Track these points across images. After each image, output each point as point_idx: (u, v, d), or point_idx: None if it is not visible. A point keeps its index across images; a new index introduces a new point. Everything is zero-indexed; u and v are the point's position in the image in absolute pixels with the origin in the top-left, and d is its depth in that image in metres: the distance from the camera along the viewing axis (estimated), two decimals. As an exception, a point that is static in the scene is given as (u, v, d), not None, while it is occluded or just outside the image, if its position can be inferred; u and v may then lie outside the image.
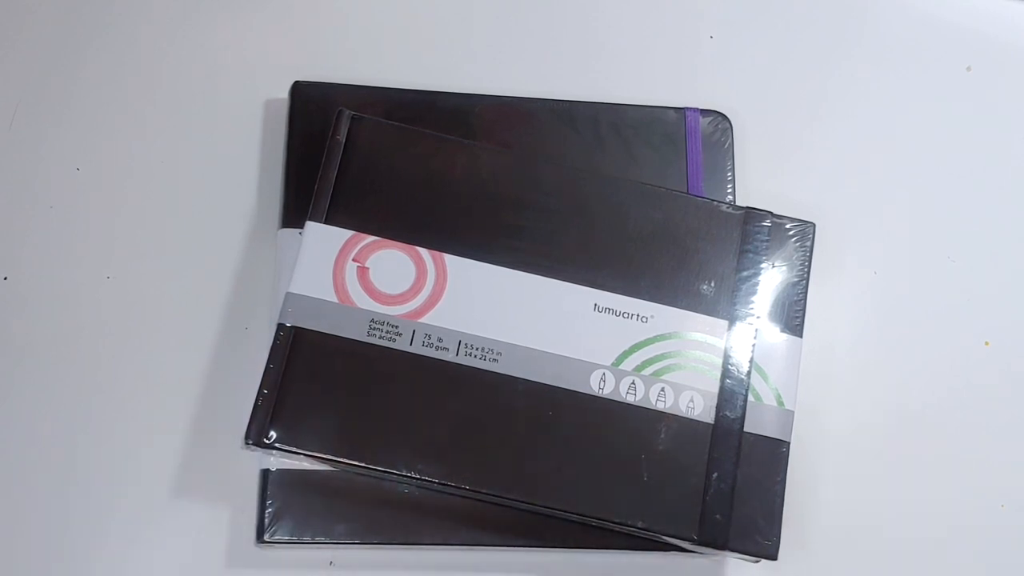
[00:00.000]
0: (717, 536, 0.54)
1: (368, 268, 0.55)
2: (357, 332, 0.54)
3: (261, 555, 0.56)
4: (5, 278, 0.59)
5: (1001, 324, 0.65)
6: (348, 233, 0.56)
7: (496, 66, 0.67)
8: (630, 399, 0.55)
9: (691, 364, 0.56)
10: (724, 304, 0.57)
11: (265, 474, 0.55)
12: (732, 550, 0.54)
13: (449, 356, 0.55)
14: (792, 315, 0.58)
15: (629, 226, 0.58)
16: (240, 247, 0.61)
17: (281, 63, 0.65)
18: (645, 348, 0.56)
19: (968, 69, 0.71)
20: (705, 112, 0.65)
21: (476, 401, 0.54)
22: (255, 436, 0.52)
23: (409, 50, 0.67)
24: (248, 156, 0.63)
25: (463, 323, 0.55)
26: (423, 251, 0.56)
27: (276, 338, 0.54)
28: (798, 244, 0.59)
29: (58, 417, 0.57)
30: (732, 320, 0.57)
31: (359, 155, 0.57)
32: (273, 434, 0.52)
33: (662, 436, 0.55)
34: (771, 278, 0.58)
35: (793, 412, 0.56)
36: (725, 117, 0.65)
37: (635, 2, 0.70)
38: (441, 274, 0.56)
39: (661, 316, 0.57)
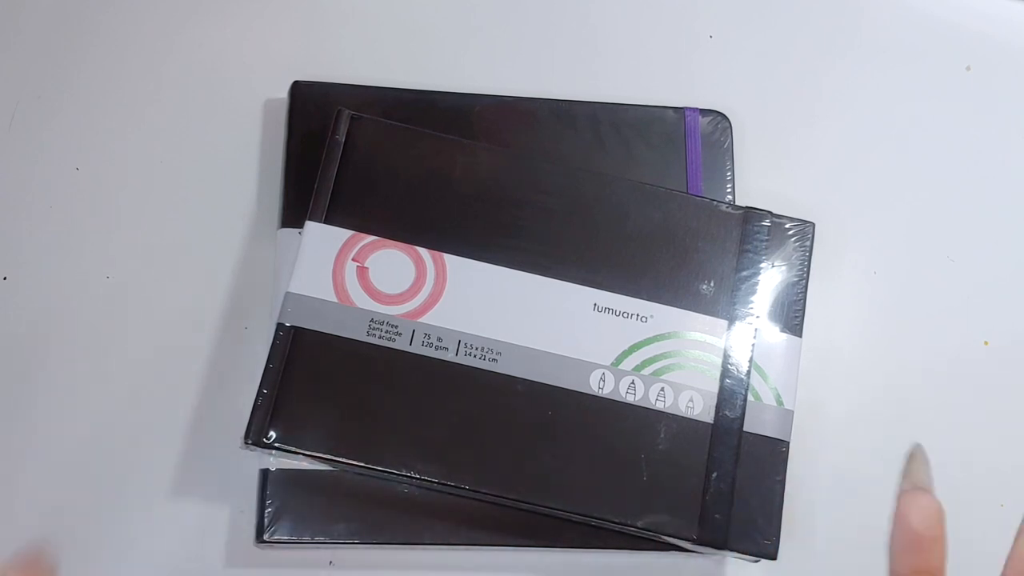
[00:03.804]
0: (717, 536, 0.54)
1: (368, 268, 0.55)
2: (357, 332, 0.54)
3: (261, 555, 0.56)
4: (5, 278, 0.59)
5: (1000, 324, 0.65)
6: (347, 233, 0.56)
7: (495, 66, 0.67)
8: (630, 399, 0.55)
9: (691, 364, 0.56)
10: (723, 304, 0.57)
11: (265, 474, 0.55)
12: (732, 550, 0.54)
13: (449, 356, 0.55)
14: (791, 315, 0.58)
15: (628, 226, 0.58)
16: (240, 247, 0.61)
17: (281, 63, 0.65)
18: (644, 348, 0.56)
19: (968, 69, 0.71)
20: (705, 112, 0.65)
21: (476, 401, 0.54)
22: (254, 436, 0.52)
23: (409, 50, 0.67)
24: (248, 156, 0.63)
25: (463, 323, 0.55)
26: (423, 251, 0.56)
27: (276, 338, 0.54)
28: (798, 244, 0.59)
29: (57, 417, 0.57)
30: (731, 320, 0.57)
31: (358, 155, 0.57)
32: (272, 434, 0.52)
33: (662, 436, 0.55)
34: (770, 278, 0.58)
35: (792, 412, 0.56)
36: (724, 117, 0.65)
37: (634, 2, 0.70)
38: (441, 274, 0.56)
39: (660, 316, 0.57)
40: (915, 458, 0.41)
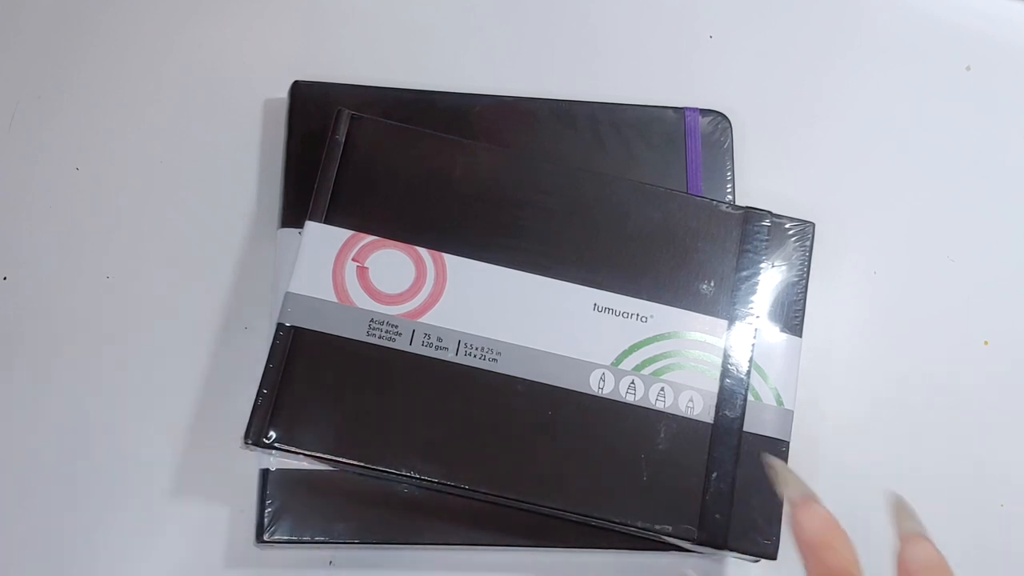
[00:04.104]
0: (717, 536, 0.54)
1: (368, 268, 0.55)
2: (356, 332, 0.54)
3: (260, 555, 0.56)
4: (5, 278, 0.59)
5: (1000, 324, 0.65)
6: (347, 233, 0.56)
7: (495, 66, 0.67)
8: (630, 399, 0.55)
9: (690, 364, 0.56)
10: (723, 304, 0.57)
11: (265, 474, 0.55)
12: (732, 550, 0.54)
13: (449, 356, 0.55)
14: (791, 315, 0.58)
15: (628, 226, 0.58)
16: (240, 247, 0.61)
17: (281, 63, 0.65)
18: (644, 348, 0.56)
19: (968, 69, 0.71)
20: (705, 112, 0.65)
21: (476, 401, 0.54)
22: (254, 436, 0.52)
23: (409, 50, 0.67)
24: (248, 156, 0.63)
25: (463, 323, 0.55)
26: (423, 251, 0.56)
27: (276, 338, 0.54)
28: (797, 244, 0.59)
29: (57, 417, 0.57)
30: (731, 320, 0.57)
31: (359, 155, 0.57)
32: (272, 434, 0.52)
33: (662, 436, 0.55)
34: (770, 278, 0.58)
35: (792, 412, 0.56)
36: (724, 117, 0.65)
37: (634, 2, 0.70)
38: (440, 274, 0.56)
39: (660, 316, 0.57)
40: (783, 472, 0.44)
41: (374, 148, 0.57)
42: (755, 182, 0.65)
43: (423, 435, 0.53)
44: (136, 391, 0.58)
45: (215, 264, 0.60)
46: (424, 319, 0.55)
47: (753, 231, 0.59)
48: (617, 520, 0.54)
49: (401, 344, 0.54)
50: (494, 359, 0.55)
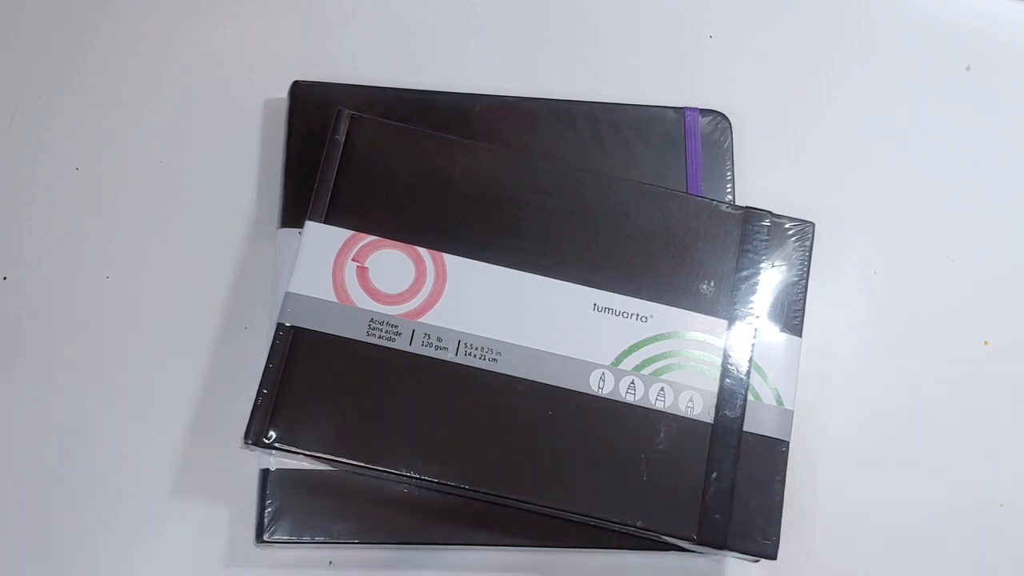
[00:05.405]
0: (716, 536, 0.54)
1: (367, 268, 0.55)
2: (356, 332, 0.54)
3: (260, 555, 0.56)
4: (5, 278, 0.59)
5: (1000, 324, 0.65)
6: (347, 233, 0.56)
7: (496, 66, 0.67)
8: (629, 399, 0.55)
9: (690, 364, 0.56)
10: (723, 304, 0.57)
11: (264, 474, 0.55)
12: (731, 550, 0.54)
13: (448, 356, 0.55)
14: (791, 314, 0.58)
15: (628, 226, 0.58)
16: (240, 247, 0.61)
17: (281, 63, 0.65)
18: (644, 348, 0.56)
19: (968, 69, 0.71)
20: (704, 112, 0.65)
21: (476, 401, 0.54)
22: (254, 436, 0.52)
23: (409, 50, 0.67)
24: (248, 156, 0.63)
25: (462, 323, 0.55)
26: (422, 251, 0.56)
27: (275, 338, 0.54)
28: (797, 243, 0.59)
29: (58, 417, 0.57)
30: (731, 320, 0.57)
31: (358, 155, 0.57)
32: (272, 434, 0.52)
33: (662, 436, 0.55)
34: (770, 277, 0.58)
35: (792, 411, 0.56)
36: (724, 117, 0.65)
37: (634, 2, 0.70)
38: (440, 274, 0.56)
39: (660, 316, 0.57)
40: None
41: (374, 148, 0.57)
42: (755, 182, 0.65)
43: (423, 435, 0.53)
44: (136, 391, 0.58)
45: (215, 264, 0.60)
46: (424, 319, 0.55)
47: (753, 231, 0.59)
48: (617, 520, 0.54)
49: (401, 344, 0.54)
50: (494, 359, 0.55)
